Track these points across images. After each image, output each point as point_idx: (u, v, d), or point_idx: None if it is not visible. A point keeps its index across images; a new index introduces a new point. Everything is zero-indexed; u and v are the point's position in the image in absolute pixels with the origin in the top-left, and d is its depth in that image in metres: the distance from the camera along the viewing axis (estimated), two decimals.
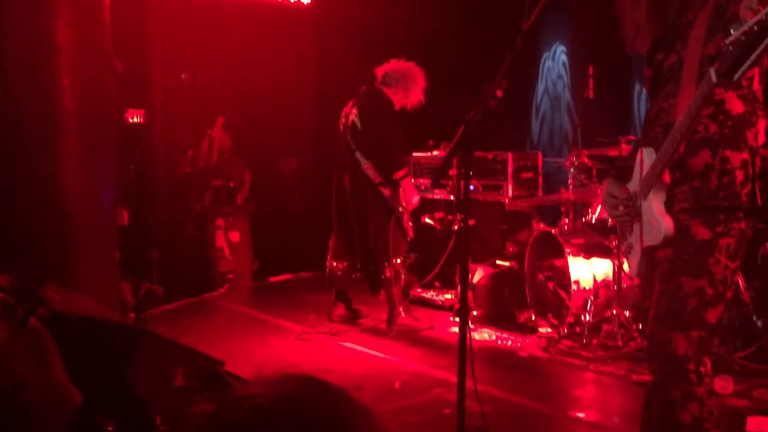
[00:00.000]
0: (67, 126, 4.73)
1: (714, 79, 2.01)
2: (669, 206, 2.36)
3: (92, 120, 4.87)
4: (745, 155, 2.31)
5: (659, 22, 2.38)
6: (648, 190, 2.38)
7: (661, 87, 2.41)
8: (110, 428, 2.95)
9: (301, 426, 0.72)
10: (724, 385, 3.76)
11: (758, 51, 1.81)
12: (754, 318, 4.28)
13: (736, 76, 1.90)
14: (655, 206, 2.36)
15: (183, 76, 6.59)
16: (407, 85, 5.28)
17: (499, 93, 2.27)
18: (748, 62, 1.85)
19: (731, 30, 1.85)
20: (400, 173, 5.14)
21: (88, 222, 4.77)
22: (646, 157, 2.41)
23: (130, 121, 6.29)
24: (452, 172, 5.80)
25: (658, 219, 2.34)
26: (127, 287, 5.54)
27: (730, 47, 1.88)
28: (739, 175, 2.30)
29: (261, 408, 0.73)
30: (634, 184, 2.53)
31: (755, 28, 1.80)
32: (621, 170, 2.64)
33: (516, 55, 2.33)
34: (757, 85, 2.32)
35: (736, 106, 2.30)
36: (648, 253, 2.50)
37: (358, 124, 5.24)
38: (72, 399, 1.24)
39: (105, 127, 5.06)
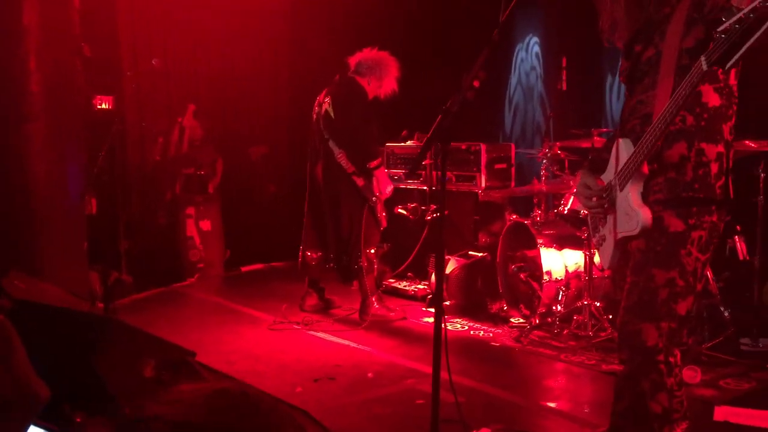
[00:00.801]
0: (33, 110, 4.64)
1: (704, 66, 2.01)
2: (644, 197, 2.37)
3: (59, 105, 4.78)
4: (721, 148, 2.33)
5: (638, 17, 2.38)
6: (625, 181, 2.39)
7: (638, 80, 2.42)
8: (78, 419, 2.90)
9: None
10: (692, 375, 3.82)
11: (752, 40, 1.81)
12: (722, 309, 4.35)
13: (729, 64, 1.90)
14: (632, 197, 2.37)
15: (154, 62, 6.48)
16: (381, 75, 5.26)
17: (476, 84, 2.26)
18: (742, 51, 1.84)
19: (723, 18, 1.85)
20: (374, 162, 5.13)
21: (55, 209, 4.69)
22: (623, 148, 2.42)
23: (98, 107, 6.18)
24: (426, 162, 5.81)
25: (635, 210, 2.36)
26: (95, 276, 5.46)
27: (723, 35, 1.88)
28: (714, 168, 2.32)
29: None
30: (608, 176, 2.54)
31: (751, 16, 1.79)
32: (595, 162, 2.65)
33: (493, 47, 2.32)
34: (733, 80, 2.33)
35: (712, 99, 2.31)
36: (621, 244, 2.52)
37: (332, 113, 5.20)
38: (38, 393, 1.21)
39: (72, 112, 4.97)
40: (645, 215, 2.33)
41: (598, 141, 4.78)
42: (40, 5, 4.61)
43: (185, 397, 0.67)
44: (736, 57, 1.86)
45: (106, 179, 5.37)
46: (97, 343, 2.86)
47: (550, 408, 3.73)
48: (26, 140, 4.62)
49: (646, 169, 2.35)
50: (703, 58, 2.02)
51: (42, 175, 4.67)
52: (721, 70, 2.28)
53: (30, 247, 4.59)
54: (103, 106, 6.22)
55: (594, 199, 2.55)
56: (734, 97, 2.35)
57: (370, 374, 4.15)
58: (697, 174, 2.31)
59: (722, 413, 3.46)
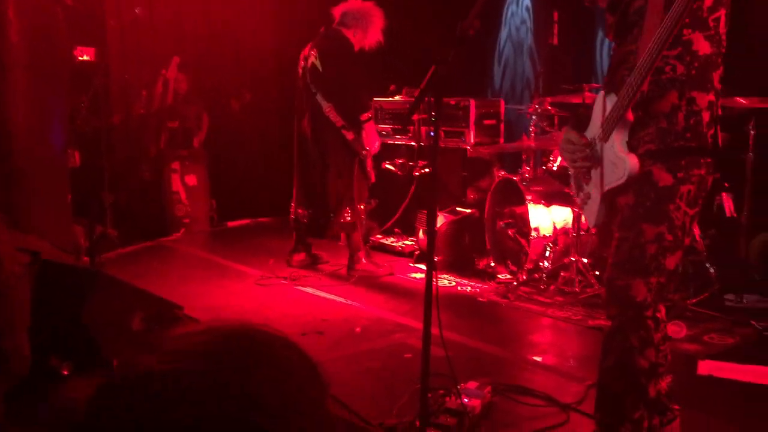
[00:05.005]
0: (14, 60, 4.51)
1: None
2: (634, 148, 2.36)
3: (40, 55, 4.66)
4: (711, 97, 2.31)
5: None
6: (610, 130, 2.37)
7: (628, 30, 2.38)
8: (65, 371, 2.89)
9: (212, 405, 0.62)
10: (676, 330, 3.86)
11: None
12: (707, 265, 4.39)
13: None
14: (617, 145, 2.35)
15: (137, 10, 6.32)
16: (366, 26, 5.15)
17: (471, 32, 2.21)
18: None
19: None
20: (366, 115, 5.06)
21: (37, 161, 4.60)
22: (608, 102, 2.40)
23: (80, 58, 6.04)
24: (414, 117, 5.75)
25: (621, 157, 2.34)
26: (79, 230, 5.40)
27: None
28: (706, 117, 2.31)
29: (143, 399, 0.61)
30: (592, 131, 2.52)
31: None
32: (579, 119, 2.62)
33: None
34: (723, 28, 2.31)
35: (703, 47, 2.28)
36: (607, 199, 2.50)
37: (319, 66, 5.11)
38: (21, 366, 1.19)
39: (54, 62, 4.85)
40: (632, 161, 2.31)
41: (590, 96, 4.74)
42: None
43: (178, 343, 0.63)
44: None
45: (90, 132, 5.26)
46: (85, 296, 2.83)
47: (537, 362, 3.77)
48: (6, 91, 4.51)
49: (631, 116, 2.32)
50: None
51: (23, 127, 4.57)
52: (711, 17, 2.25)
53: (12, 200, 4.51)
54: (84, 57, 6.08)
55: (578, 153, 2.53)
56: (723, 46, 2.33)
57: (358, 329, 4.16)
58: (688, 123, 2.30)
59: (706, 367, 3.51)
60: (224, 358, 0.66)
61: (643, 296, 2.35)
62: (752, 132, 4.39)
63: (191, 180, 6.90)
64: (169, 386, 0.63)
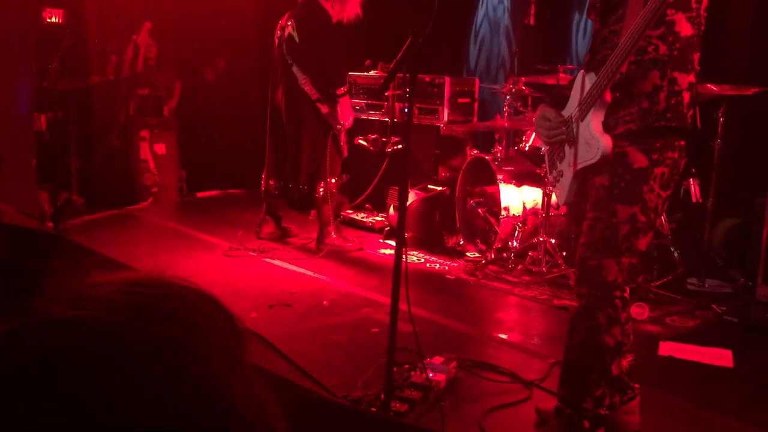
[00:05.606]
0: None
1: None
2: (613, 128, 2.37)
3: (6, 17, 4.54)
4: (692, 78, 2.34)
5: None
6: (587, 110, 2.38)
7: (612, 11, 2.39)
8: None
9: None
10: (639, 311, 3.92)
11: None
12: (672, 249, 4.46)
13: None
14: (593, 125, 2.36)
15: None
16: None
17: None
18: None
19: None
20: (342, 89, 5.00)
21: (2, 124, 4.50)
22: (587, 81, 2.40)
23: (48, 20, 5.88)
24: (388, 93, 5.71)
25: (596, 137, 2.35)
26: (44, 196, 5.30)
27: None
28: (686, 97, 2.33)
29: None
30: (569, 110, 2.53)
31: None
32: (556, 98, 2.63)
33: None
34: (704, 11, 2.33)
35: (685, 28, 2.30)
36: (579, 177, 2.52)
37: (296, 37, 5.04)
38: None
39: (21, 25, 4.73)
40: (606, 142, 2.33)
41: (564, 78, 4.76)
42: None
43: (89, 292, 0.60)
44: None
45: (57, 96, 5.13)
46: (47, 261, 2.78)
47: (502, 339, 3.81)
48: None
49: (608, 96, 2.34)
50: None
51: None
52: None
53: None
54: (53, 20, 5.93)
55: (553, 130, 2.54)
56: (702, 26, 2.35)
57: (326, 302, 4.16)
58: (669, 103, 2.32)
59: (667, 348, 3.58)
60: (138, 307, 0.64)
61: (614, 276, 2.38)
62: (721, 119, 4.45)
63: (160, 149, 6.80)
64: (76, 333, 0.61)
